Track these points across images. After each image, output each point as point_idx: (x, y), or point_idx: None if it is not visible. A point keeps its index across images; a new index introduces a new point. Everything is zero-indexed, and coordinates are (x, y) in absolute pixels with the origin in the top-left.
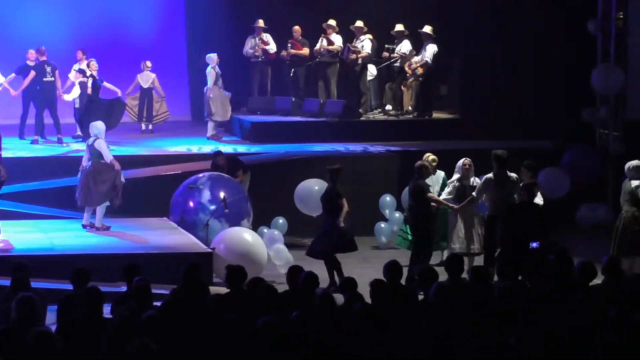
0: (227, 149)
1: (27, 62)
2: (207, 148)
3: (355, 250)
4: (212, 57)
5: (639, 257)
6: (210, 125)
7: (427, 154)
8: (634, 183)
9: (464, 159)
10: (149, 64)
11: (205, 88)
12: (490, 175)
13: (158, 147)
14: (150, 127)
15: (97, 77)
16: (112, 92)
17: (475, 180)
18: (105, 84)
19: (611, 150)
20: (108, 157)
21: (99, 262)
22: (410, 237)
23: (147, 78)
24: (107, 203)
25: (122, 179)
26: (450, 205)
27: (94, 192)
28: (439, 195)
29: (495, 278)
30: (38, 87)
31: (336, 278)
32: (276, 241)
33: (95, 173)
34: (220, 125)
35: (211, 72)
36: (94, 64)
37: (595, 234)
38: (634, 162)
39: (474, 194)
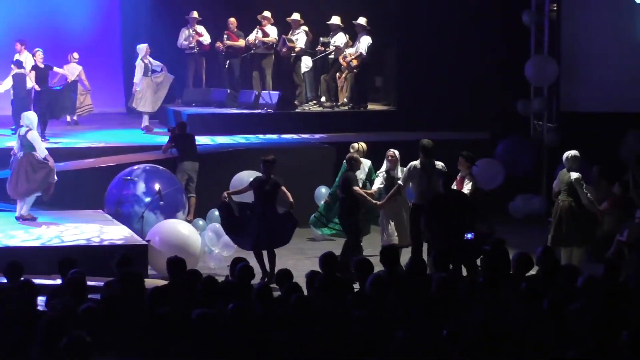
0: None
1: None
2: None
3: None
4: (142, 48)
5: (577, 247)
6: (146, 116)
7: (353, 144)
8: (574, 175)
9: (389, 150)
10: (76, 55)
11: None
12: (415, 162)
13: (92, 140)
14: (75, 118)
15: (43, 66)
16: (62, 79)
17: (403, 171)
18: (55, 68)
19: (545, 142)
20: (42, 151)
21: (33, 255)
22: (324, 220)
23: (73, 70)
24: (38, 193)
25: (55, 177)
26: (374, 202)
27: (22, 185)
28: (364, 184)
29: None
30: None
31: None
32: (220, 235)
33: (27, 166)
34: (153, 116)
35: (140, 64)
36: (39, 54)
37: (529, 224)
38: (572, 152)
39: (399, 182)
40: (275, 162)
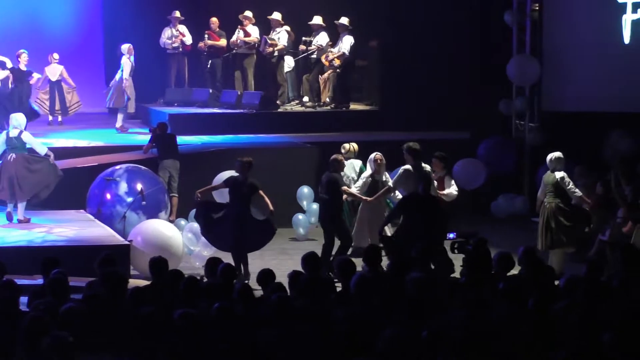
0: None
1: None
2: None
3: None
4: (126, 48)
5: (566, 248)
6: (120, 116)
7: (344, 144)
8: (558, 175)
9: (375, 153)
10: (56, 56)
11: (118, 77)
12: (408, 166)
13: (74, 140)
14: (59, 119)
15: (24, 70)
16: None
17: (387, 175)
18: (34, 74)
19: (527, 141)
20: (42, 149)
21: (15, 255)
22: None
23: (54, 70)
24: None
25: (60, 173)
26: (364, 197)
27: (25, 186)
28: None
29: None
30: None
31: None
32: (199, 235)
33: (24, 163)
34: (135, 116)
35: (127, 62)
36: (24, 56)
37: (511, 224)
38: (556, 154)
39: (390, 184)
40: (251, 164)
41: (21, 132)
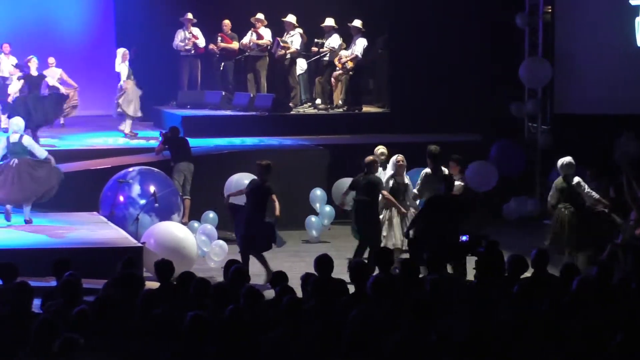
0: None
1: None
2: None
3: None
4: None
5: (581, 252)
6: (129, 121)
7: (378, 147)
8: (575, 180)
9: (397, 155)
10: (52, 60)
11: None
12: (427, 170)
13: (86, 142)
14: (61, 121)
15: (37, 74)
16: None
17: (407, 177)
18: (48, 79)
19: (539, 144)
20: (42, 153)
21: (28, 256)
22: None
23: (53, 74)
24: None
25: (62, 175)
26: (399, 206)
27: (27, 191)
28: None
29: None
30: None
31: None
32: (212, 236)
33: (27, 168)
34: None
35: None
36: (34, 61)
37: (522, 226)
38: (566, 159)
39: (415, 191)
40: (269, 167)
41: (22, 136)
